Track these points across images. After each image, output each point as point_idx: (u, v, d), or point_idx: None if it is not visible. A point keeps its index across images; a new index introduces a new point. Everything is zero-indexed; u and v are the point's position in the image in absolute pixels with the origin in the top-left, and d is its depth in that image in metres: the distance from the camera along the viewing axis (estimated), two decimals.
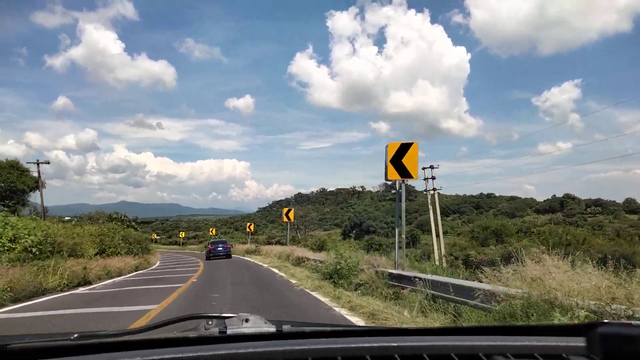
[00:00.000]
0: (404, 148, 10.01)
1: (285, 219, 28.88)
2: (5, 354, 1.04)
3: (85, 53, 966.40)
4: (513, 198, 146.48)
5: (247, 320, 1.24)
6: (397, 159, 9.97)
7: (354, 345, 1.08)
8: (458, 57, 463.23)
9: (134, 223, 43.37)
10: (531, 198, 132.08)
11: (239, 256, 34.41)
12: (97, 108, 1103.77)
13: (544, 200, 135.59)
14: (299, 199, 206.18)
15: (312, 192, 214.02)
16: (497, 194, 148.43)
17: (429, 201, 34.16)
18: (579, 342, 1.05)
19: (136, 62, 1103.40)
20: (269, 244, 40.28)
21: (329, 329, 1.34)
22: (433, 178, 33.77)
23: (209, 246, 33.97)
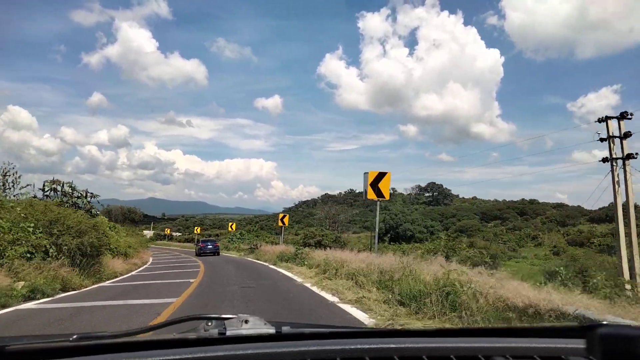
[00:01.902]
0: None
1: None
2: (4, 356, 1.01)
3: (120, 51, 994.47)
4: (560, 205, 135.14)
5: (246, 322, 1.23)
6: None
7: (353, 347, 1.07)
8: (491, 60, 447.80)
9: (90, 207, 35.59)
10: (579, 206, 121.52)
11: (267, 264, 22.18)
12: (130, 105, 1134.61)
13: (600, 209, 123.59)
14: (326, 200, 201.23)
15: (340, 193, 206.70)
16: (540, 200, 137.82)
17: (615, 179, 14.99)
18: (579, 343, 1.03)
19: (169, 60, 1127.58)
20: (307, 245, 31.08)
21: (327, 330, 1.33)
22: (625, 137, 14.95)
23: (200, 244, 36.37)
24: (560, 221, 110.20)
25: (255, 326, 1.23)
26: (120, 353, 1.04)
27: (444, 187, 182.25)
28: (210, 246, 34.93)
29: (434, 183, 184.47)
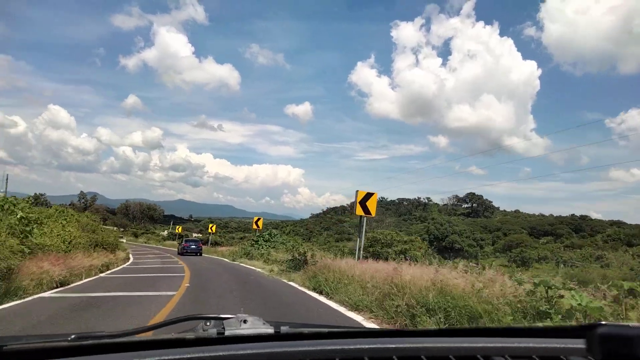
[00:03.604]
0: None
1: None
2: (3, 355, 1.01)
3: (157, 55, 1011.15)
4: (617, 223, 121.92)
5: (245, 322, 1.22)
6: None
7: (352, 347, 1.06)
8: (527, 72, 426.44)
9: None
10: (637, 224, 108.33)
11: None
12: (164, 108, 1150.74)
13: None
14: (353, 206, 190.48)
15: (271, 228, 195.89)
16: (592, 216, 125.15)
17: None
18: (578, 343, 1.02)
19: (203, 65, 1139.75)
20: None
21: (326, 330, 1.30)
22: None
23: (183, 243, 36.29)
24: (625, 240, 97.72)
25: (254, 326, 1.21)
26: (119, 353, 1.02)
27: (484, 198, 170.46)
28: (194, 246, 35.45)
29: (473, 194, 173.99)
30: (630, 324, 0.93)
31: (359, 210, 14.45)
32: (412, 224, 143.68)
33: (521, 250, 77.03)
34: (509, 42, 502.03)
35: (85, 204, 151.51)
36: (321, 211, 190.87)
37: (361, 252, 14.65)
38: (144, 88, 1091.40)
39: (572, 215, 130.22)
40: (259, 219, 30.17)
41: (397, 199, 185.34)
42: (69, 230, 16.90)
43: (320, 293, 11.28)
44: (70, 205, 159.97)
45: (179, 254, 35.15)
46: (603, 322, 0.94)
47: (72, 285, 11.95)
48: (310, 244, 32.11)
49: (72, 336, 1.15)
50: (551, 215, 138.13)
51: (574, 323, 2.27)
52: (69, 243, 15.71)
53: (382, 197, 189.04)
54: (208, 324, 1.25)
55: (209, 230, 43.84)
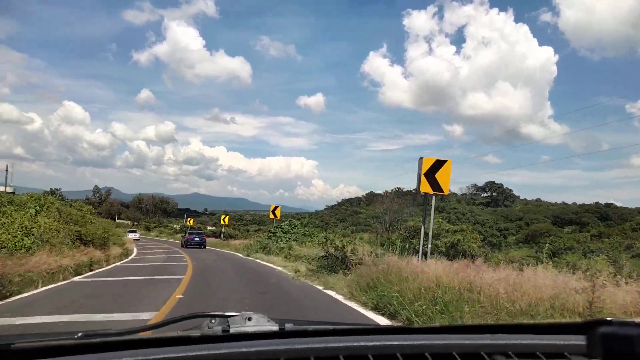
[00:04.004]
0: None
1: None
2: (11, 353, 1.00)
3: (168, 49, 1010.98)
4: None
5: (250, 319, 1.21)
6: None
7: (356, 344, 1.06)
8: (544, 59, 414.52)
9: None
10: None
11: None
12: (177, 102, 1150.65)
13: None
14: (371, 198, 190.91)
15: (387, 191, 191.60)
16: (617, 204, 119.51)
17: None
18: (580, 340, 1.01)
19: (214, 58, 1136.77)
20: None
21: (331, 327, 1.26)
22: None
23: (187, 236, 36.35)
24: None
25: (259, 323, 1.20)
26: (125, 350, 1.01)
27: (504, 187, 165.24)
28: (197, 238, 35.13)
29: (493, 182, 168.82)
30: (634, 321, 0.92)
31: (425, 186, 10.09)
32: (429, 214, 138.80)
33: (552, 240, 72.53)
34: (524, 29, 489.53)
35: (100, 198, 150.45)
36: (336, 202, 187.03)
37: (429, 247, 10.43)
38: (157, 82, 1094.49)
39: (597, 203, 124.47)
40: (276, 208, 25.71)
41: (414, 189, 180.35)
42: (40, 222, 13.17)
43: (393, 317, 6.94)
44: (85, 199, 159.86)
45: (182, 246, 35.07)
46: (607, 319, 0.93)
47: None
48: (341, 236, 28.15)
49: (79, 334, 1.15)
50: (574, 203, 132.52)
51: (577, 321, 1.18)
52: (35, 237, 11.92)
53: (397, 188, 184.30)
54: (213, 321, 1.22)
55: (221, 222, 40.04)
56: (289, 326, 1.22)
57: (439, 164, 10.23)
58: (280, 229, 25.48)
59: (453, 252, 16.08)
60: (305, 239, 22.93)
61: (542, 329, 1.20)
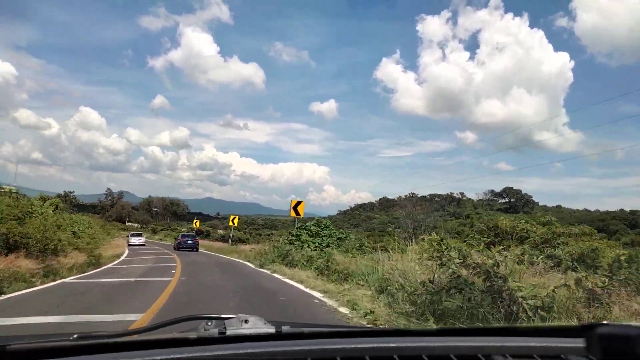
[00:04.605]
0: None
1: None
2: (6, 355, 0.99)
3: (183, 55, 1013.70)
4: None
5: (246, 321, 1.19)
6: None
7: (352, 346, 1.04)
8: (559, 65, 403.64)
9: None
10: None
11: None
12: (191, 108, 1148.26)
13: None
14: (385, 204, 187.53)
15: (400, 197, 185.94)
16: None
17: None
18: (579, 343, 1.01)
19: (228, 64, 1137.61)
20: None
21: (327, 329, 1.30)
22: None
23: (179, 238, 35.50)
24: None
25: (255, 326, 1.18)
26: (121, 352, 1.00)
27: (522, 192, 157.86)
28: (190, 241, 34.40)
29: (511, 188, 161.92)
30: (632, 323, 0.90)
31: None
32: (446, 220, 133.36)
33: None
34: (539, 34, 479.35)
35: (112, 201, 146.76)
36: (349, 208, 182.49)
37: None
38: (171, 88, 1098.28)
39: (621, 210, 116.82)
40: (299, 203, 19.35)
41: (429, 195, 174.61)
42: None
43: None
44: (97, 202, 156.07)
45: (174, 249, 33.66)
46: (604, 322, 0.92)
47: None
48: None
49: (74, 335, 1.13)
50: (597, 210, 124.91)
51: (575, 323, 1.97)
52: None
53: (411, 193, 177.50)
54: (209, 323, 1.20)
55: (230, 223, 33.81)
56: (285, 328, 1.19)
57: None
58: (305, 231, 19.45)
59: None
60: (349, 246, 16.32)
61: (539, 332, 1.19)
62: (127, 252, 28.84)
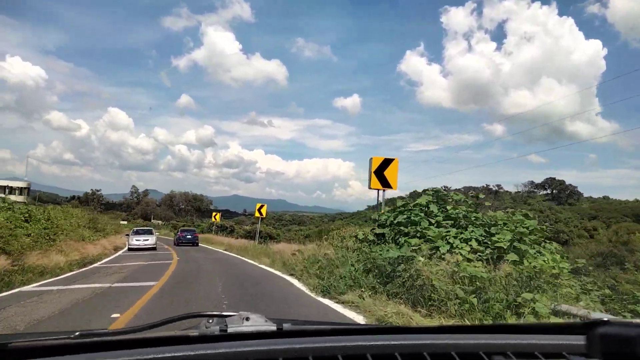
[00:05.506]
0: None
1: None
2: (7, 353, 0.97)
3: (206, 54, 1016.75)
4: None
5: (247, 319, 1.17)
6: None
7: (354, 344, 1.02)
8: (591, 53, 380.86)
9: None
10: None
11: None
12: (215, 106, 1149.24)
13: None
14: (415, 198, 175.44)
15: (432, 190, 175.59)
16: None
17: None
18: (579, 340, 0.98)
19: (251, 61, 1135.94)
20: None
21: (329, 327, 1.24)
22: None
23: (179, 233, 34.14)
24: None
25: (257, 323, 1.16)
26: (123, 350, 0.98)
27: (566, 183, 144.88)
28: (189, 236, 32.51)
29: (553, 179, 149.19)
30: (633, 321, 0.87)
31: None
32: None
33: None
34: (569, 22, 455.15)
35: (138, 198, 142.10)
36: (378, 203, 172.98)
37: None
38: (195, 87, 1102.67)
39: None
40: (389, 161, 10.80)
41: (463, 187, 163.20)
42: None
43: None
44: (123, 200, 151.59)
45: (174, 244, 31.97)
46: (605, 320, 0.91)
47: None
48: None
49: (76, 333, 1.11)
50: None
51: (576, 321, 1.20)
52: None
53: (444, 186, 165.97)
54: (211, 321, 1.18)
55: (257, 214, 24.51)
56: (287, 326, 1.17)
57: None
58: (410, 216, 8.90)
59: None
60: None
61: (541, 330, 1.17)
62: (120, 252, 22.23)
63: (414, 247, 7.91)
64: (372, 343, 1.02)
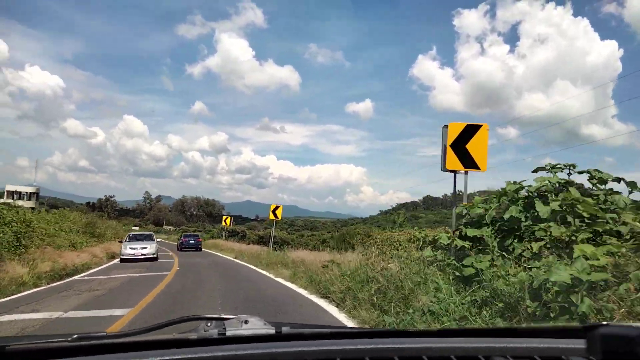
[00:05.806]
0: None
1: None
2: (5, 355, 0.96)
3: (220, 61, 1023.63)
4: None
5: (246, 322, 1.16)
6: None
7: (352, 347, 1.02)
8: (607, 54, 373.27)
9: None
10: None
11: None
12: (228, 113, 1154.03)
13: None
14: (429, 202, 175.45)
15: (446, 195, 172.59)
16: None
17: None
18: (579, 343, 0.99)
19: (264, 68, 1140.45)
20: None
21: (327, 330, 1.24)
22: None
23: (182, 238, 33.74)
24: None
25: (255, 326, 1.16)
26: (121, 353, 0.97)
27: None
28: (192, 241, 32.25)
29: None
30: (633, 324, 0.87)
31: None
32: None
33: None
34: (584, 23, 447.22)
35: (150, 204, 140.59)
36: (390, 207, 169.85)
37: None
38: (209, 94, 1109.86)
39: None
40: (474, 129, 6.66)
41: (477, 192, 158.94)
42: None
43: None
44: (136, 206, 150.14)
45: (177, 249, 31.46)
46: (605, 323, 0.89)
47: None
48: None
49: (74, 336, 1.10)
50: None
51: (576, 324, 1.70)
52: None
53: (459, 191, 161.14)
54: (209, 324, 1.18)
55: (270, 216, 21.17)
56: (285, 329, 1.16)
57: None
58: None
59: None
60: None
61: (540, 332, 1.15)
62: (114, 260, 19.70)
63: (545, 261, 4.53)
64: (371, 346, 1.01)
